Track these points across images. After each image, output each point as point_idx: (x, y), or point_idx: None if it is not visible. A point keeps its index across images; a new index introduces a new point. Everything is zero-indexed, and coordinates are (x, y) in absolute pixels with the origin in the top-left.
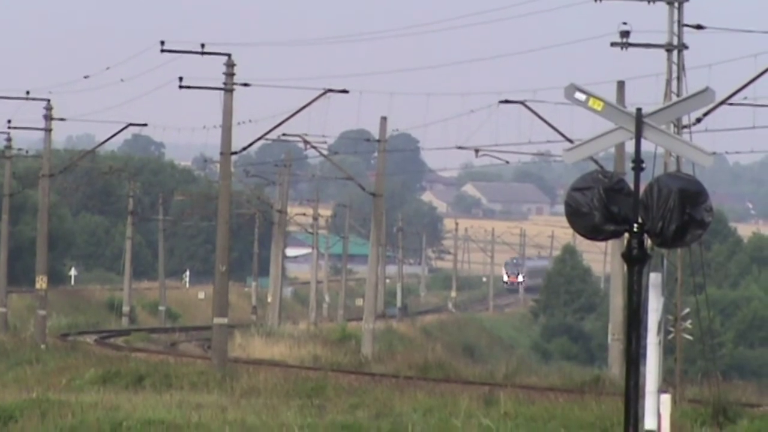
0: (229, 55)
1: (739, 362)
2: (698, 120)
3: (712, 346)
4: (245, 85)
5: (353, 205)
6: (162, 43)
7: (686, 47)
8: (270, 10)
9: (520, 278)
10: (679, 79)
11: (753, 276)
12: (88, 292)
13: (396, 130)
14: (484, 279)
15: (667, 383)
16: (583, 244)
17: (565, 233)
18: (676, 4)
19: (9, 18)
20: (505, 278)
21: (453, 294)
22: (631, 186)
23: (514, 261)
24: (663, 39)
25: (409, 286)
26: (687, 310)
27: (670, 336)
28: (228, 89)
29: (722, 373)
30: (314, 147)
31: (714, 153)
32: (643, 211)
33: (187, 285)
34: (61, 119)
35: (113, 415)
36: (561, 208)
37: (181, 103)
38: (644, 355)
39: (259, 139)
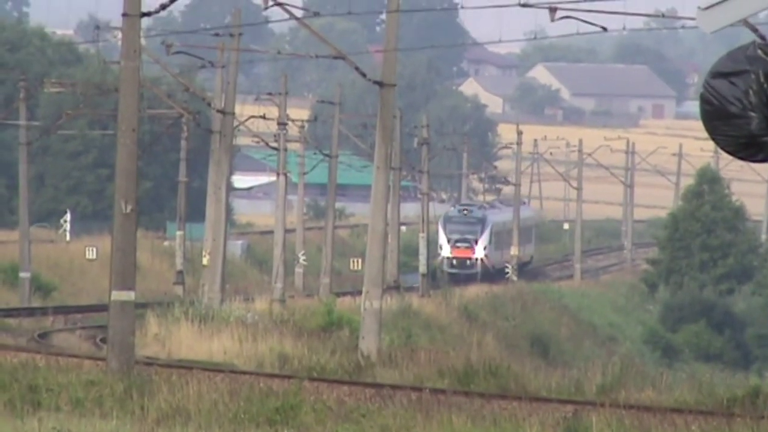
0: None
1: None
2: None
3: None
4: None
5: (346, 102)
6: None
7: None
8: None
9: (481, 249)
10: None
11: None
12: None
13: None
14: (566, 226)
15: None
16: (731, 167)
17: (702, 149)
18: None
19: None
20: (447, 251)
21: (513, 251)
22: None
23: (464, 211)
24: None
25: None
26: None
27: None
28: None
29: None
30: (280, 4)
31: None
32: None
33: (68, 236)
34: None
35: None
36: (693, 105)
37: None
38: None
39: None
